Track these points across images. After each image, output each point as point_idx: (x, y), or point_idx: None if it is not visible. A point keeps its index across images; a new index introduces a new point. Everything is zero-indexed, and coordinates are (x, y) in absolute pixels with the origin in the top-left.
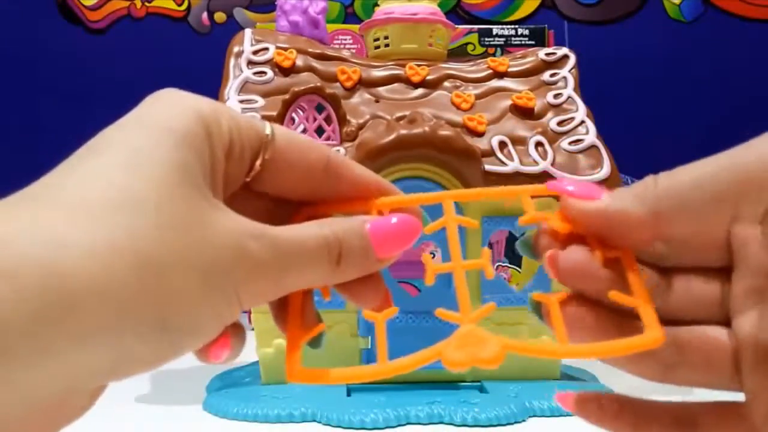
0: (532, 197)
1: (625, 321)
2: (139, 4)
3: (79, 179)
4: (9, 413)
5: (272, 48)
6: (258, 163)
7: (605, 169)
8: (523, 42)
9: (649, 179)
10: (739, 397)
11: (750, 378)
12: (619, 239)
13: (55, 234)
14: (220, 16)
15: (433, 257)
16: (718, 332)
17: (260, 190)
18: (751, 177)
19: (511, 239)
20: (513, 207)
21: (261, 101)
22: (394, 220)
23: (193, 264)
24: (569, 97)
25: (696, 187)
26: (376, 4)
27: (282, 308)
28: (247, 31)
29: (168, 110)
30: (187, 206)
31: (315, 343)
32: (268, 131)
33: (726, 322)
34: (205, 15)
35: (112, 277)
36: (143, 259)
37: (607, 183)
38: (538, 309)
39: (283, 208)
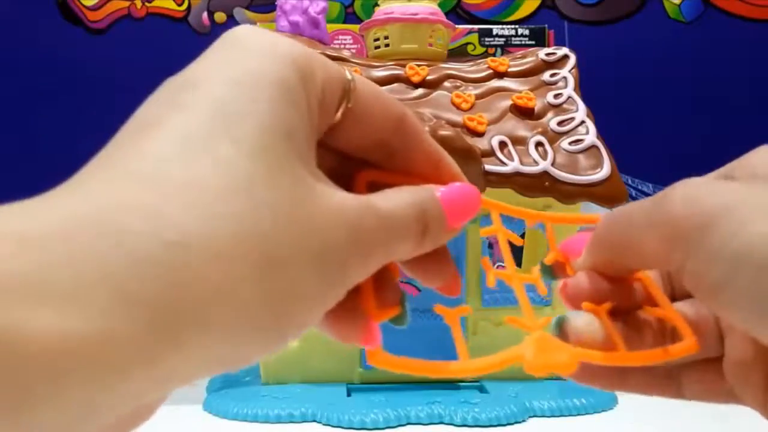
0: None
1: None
2: (139, 4)
3: (176, 150)
4: (104, 422)
5: None
6: (340, 112)
7: (605, 169)
8: (523, 42)
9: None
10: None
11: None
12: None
13: (171, 227)
14: (220, 16)
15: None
16: (681, 306)
17: (331, 144)
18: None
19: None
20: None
21: None
22: (460, 188)
23: (309, 252)
24: (569, 97)
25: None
26: (376, 4)
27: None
28: None
29: (258, 57)
30: (297, 183)
31: (400, 320)
32: (349, 76)
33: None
34: (205, 15)
35: (237, 280)
36: (267, 256)
37: (607, 183)
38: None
39: (345, 168)
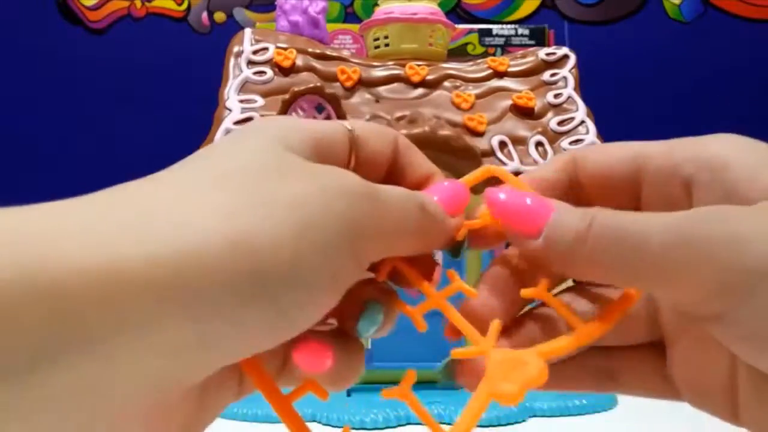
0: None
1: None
2: (139, 4)
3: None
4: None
5: (272, 48)
6: (352, 161)
7: None
8: (523, 42)
9: (588, 217)
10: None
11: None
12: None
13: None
14: (219, 16)
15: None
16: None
17: None
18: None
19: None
20: None
21: (261, 101)
22: (447, 185)
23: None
24: (569, 96)
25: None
26: (376, 4)
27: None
28: (247, 31)
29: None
30: (310, 167)
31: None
32: (349, 126)
33: None
34: (205, 15)
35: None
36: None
37: None
38: (449, 372)
39: None
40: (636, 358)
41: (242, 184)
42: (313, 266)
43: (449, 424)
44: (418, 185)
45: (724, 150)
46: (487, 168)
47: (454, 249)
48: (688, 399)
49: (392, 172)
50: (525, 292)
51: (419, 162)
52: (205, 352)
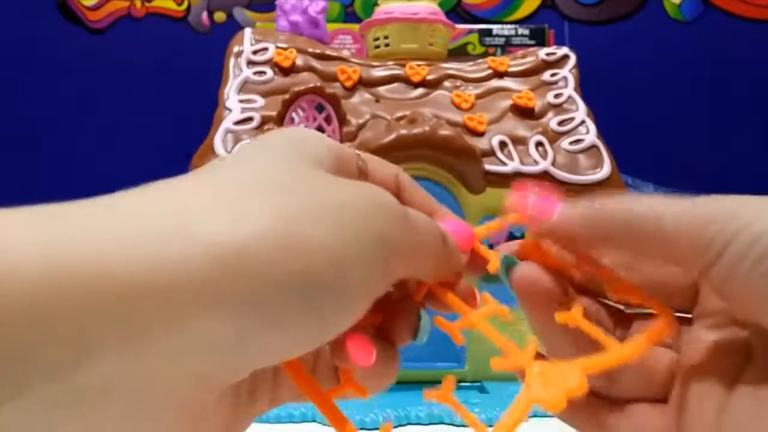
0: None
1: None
2: (139, 4)
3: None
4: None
5: (272, 48)
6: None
7: (605, 169)
8: (523, 42)
9: (599, 201)
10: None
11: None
12: (565, 252)
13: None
14: (219, 16)
15: None
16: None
17: None
18: (711, 224)
19: (511, 239)
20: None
21: (261, 101)
22: (455, 222)
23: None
24: (569, 96)
25: (658, 220)
26: (376, 4)
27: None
28: (247, 31)
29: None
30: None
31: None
32: (357, 152)
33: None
34: (205, 15)
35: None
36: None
37: (607, 184)
38: (507, 269)
39: None
40: (638, 413)
41: (287, 187)
42: (353, 276)
43: (449, 424)
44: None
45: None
46: (498, 223)
47: (490, 276)
48: None
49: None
50: (559, 317)
51: (423, 197)
52: (244, 350)
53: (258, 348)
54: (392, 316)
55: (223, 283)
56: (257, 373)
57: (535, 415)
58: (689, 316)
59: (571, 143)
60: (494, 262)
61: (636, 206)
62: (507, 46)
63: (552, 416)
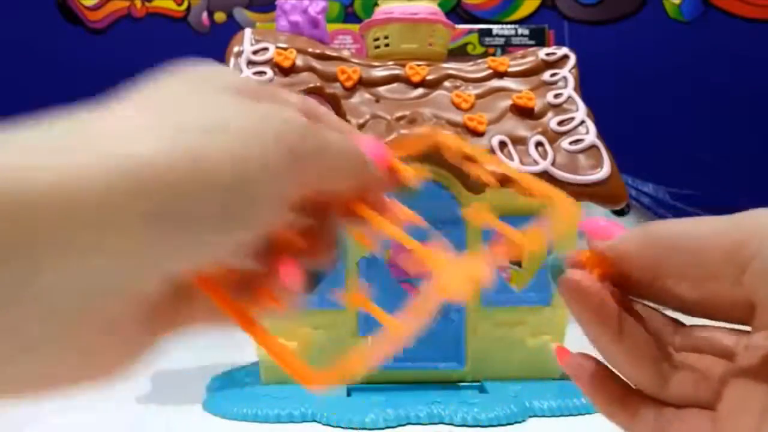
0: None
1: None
2: (139, 4)
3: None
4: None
5: (272, 48)
6: None
7: (605, 169)
8: (523, 42)
9: (655, 225)
10: None
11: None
12: (623, 275)
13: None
14: (219, 16)
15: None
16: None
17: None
18: (751, 237)
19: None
20: (521, 206)
21: None
22: (372, 142)
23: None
24: (569, 97)
25: (699, 238)
26: (376, 4)
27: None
28: (247, 31)
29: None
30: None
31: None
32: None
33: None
34: (205, 15)
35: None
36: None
37: (607, 184)
38: (556, 273)
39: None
40: (685, 417)
41: (190, 106)
42: (258, 179)
43: (449, 424)
44: None
45: None
46: (430, 134)
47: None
48: None
49: None
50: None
51: (337, 121)
52: (156, 257)
53: (165, 255)
54: (315, 240)
55: (132, 193)
56: (172, 292)
57: (534, 415)
58: (748, 329)
59: (570, 143)
60: (410, 175)
61: (676, 228)
62: (507, 46)
63: (593, 413)
